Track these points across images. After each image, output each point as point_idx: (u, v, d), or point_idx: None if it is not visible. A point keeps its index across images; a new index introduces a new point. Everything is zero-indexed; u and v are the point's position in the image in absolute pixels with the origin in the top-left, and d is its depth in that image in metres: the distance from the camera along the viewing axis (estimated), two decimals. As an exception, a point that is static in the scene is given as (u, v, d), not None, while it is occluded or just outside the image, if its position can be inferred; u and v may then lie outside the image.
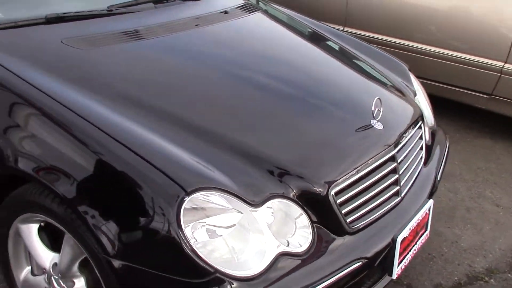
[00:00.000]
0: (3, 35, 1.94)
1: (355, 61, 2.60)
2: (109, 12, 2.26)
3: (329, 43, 2.74)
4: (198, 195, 1.49)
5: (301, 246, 1.61)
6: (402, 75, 2.60)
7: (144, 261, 1.50)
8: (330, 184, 1.71)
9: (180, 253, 1.45)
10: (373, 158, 1.87)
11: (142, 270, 1.49)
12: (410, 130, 2.13)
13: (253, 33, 2.53)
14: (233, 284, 1.46)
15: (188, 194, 1.47)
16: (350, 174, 1.78)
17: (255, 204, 1.54)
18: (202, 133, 1.69)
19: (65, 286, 1.79)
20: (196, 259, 1.45)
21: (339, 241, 1.70)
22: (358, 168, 1.80)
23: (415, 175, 2.11)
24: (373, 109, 1.96)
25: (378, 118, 1.97)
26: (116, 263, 1.52)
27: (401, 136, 2.03)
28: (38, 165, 1.63)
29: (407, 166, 2.05)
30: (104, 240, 1.51)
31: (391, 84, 2.42)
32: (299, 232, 1.63)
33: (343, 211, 1.73)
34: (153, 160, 1.53)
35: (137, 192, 1.50)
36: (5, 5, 2.16)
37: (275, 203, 1.59)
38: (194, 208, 1.48)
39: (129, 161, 1.53)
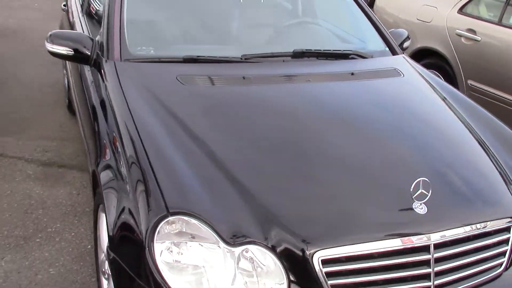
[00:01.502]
0: (148, 67, 2.32)
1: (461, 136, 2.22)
2: (241, 60, 2.42)
3: (447, 115, 2.34)
4: (178, 218, 1.56)
5: None
6: None
7: (125, 260, 1.66)
8: (317, 247, 1.57)
9: (147, 265, 1.54)
10: (395, 240, 1.64)
11: (123, 268, 1.65)
12: (480, 228, 1.78)
13: (360, 97, 2.33)
14: None
15: (170, 214, 1.56)
16: (351, 245, 1.60)
17: (231, 243, 1.55)
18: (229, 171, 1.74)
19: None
20: (157, 276, 1.52)
21: None
22: (365, 244, 1.61)
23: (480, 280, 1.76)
24: (411, 190, 1.70)
25: (423, 201, 1.71)
26: (111, 255, 1.71)
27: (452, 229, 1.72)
28: None
29: (459, 265, 1.72)
30: (107, 232, 1.76)
31: (493, 165, 2.05)
32: (270, 284, 1.56)
33: (330, 282, 1.57)
34: (158, 174, 1.70)
35: (136, 196, 1.67)
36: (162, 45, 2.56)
37: (252, 248, 1.57)
38: (171, 228, 1.56)
39: (145, 168, 1.74)
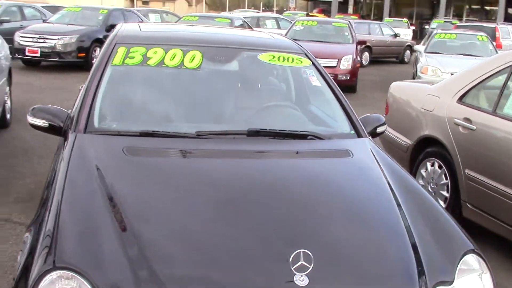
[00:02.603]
0: (102, 139, 2.52)
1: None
2: (195, 136, 2.58)
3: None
4: (62, 272, 1.68)
5: None
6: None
7: None
8: None
9: None
10: None
11: None
12: None
13: (286, 174, 2.40)
14: None
15: (56, 268, 1.70)
16: None
17: None
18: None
19: None
20: None
21: None
22: None
23: None
24: (290, 261, 1.76)
25: (305, 273, 1.74)
26: None
27: None
28: None
29: None
30: None
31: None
32: None
33: None
34: (60, 231, 1.84)
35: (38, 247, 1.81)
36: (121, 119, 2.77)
37: None
38: (54, 283, 1.67)
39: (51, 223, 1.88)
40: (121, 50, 2.99)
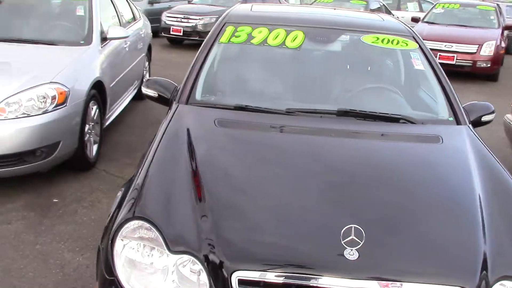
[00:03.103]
0: (200, 110, 2.75)
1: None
2: (284, 113, 2.71)
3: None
4: (139, 222, 1.91)
5: None
6: None
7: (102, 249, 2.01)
8: (238, 267, 1.75)
9: (109, 254, 1.89)
10: (316, 278, 1.74)
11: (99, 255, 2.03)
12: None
13: (374, 157, 2.43)
14: None
15: (134, 218, 1.92)
16: (269, 272, 1.74)
17: (172, 250, 1.83)
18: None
19: None
20: (112, 268, 1.86)
21: None
22: (287, 277, 1.74)
23: None
24: (341, 235, 1.82)
25: (355, 248, 1.79)
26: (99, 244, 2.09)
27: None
28: None
29: None
30: None
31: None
32: None
33: None
34: (144, 188, 2.07)
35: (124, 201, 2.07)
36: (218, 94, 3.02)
37: (186, 258, 1.82)
38: (132, 230, 1.90)
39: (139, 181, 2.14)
40: (229, 29, 3.19)
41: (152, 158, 2.28)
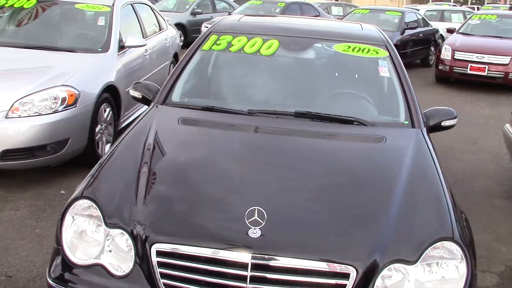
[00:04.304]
0: (170, 110, 3.04)
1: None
2: (246, 113, 2.96)
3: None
4: (85, 201, 2.22)
5: (120, 269, 2.07)
6: None
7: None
8: (157, 241, 2.02)
9: (58, 228, 2.22)
10: (221, 252, 1.97)
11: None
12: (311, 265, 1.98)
13: (310, 151, 2.65)
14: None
15: (82, 197, 2.23)
16: (183, 245, 2.00)
17: (108, 224, 2.14)
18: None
19: None
20: (59, 238, 2.19)
21: None
22: (197, 250, 1.99)
23: None
24: (246, 215, 2.06)
25: (258, 227, 2.02)
26: None
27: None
28: None
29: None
30: None
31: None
32: (122, 261, 2.08)
33: (160, 271, 1.99)
34: (101, 173, 2.40)
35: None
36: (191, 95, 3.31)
37: (118, 232, 2.13)
38: (80, 207, 2.22)
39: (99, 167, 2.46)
40: (212, 38, 3.49)
41: (115, 148, 2.60)
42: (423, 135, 2.91)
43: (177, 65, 3.43)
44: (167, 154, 2.58)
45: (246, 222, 2.06)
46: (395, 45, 11.68)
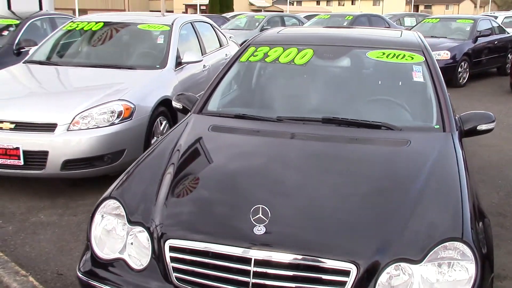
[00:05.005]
0: (204, 118, 3.22)
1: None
2: (275, 120, 3.09)
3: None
4: (112, 201, 2.42)
5: (139, 264, 2.24)
6: None
7: None
8: (171, 237, 2.17)
9: (89, 225, 2.43)
10: (227, 247, 2.09)
11: None
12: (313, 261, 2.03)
13: (331, 154, 2.75)
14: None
15: (110, 198, 2.44)
16: (194, 242, 2.13)
17: (131, 221, 2.32)
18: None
19: None
20: (88, 235, 2.39)
21: (162, 285, 2.15)
22: (206, 246, 2.11)
23: None
24: (251, 213, 2.17)
25: (263, 224, 2.13)
26: None
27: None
28: None
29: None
30: None
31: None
32: (142, 255, 2.25)
33: (173, 265, 2.14)
34: (131, 176, 2.63)
35: None
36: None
37: (139, 229, 2.30)
38: (109, 206, 2.42)
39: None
40: (250, 50, 3.65)
41: (146, 153, 2.79)
42: (452, 138, 2.87)
43: (215, 76, 3.61)
44: (191, 158, 2.73)
45: (252, 220, 2.15)
46: (466, 53, 11.45)
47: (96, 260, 2.34)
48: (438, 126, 2.99)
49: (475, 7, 64.45)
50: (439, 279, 2.03)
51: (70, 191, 4.63)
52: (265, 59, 3.53)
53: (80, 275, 2.36)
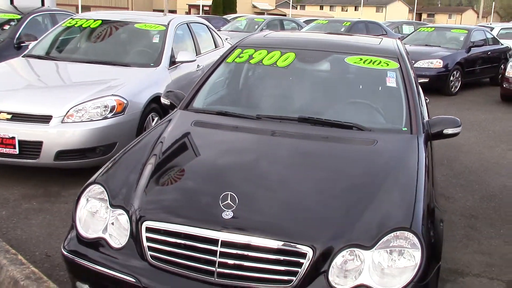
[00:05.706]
0: (186, 114, 3.42)
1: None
2: (254, 118, 3.29)
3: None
4: (97, 186, 2.64)
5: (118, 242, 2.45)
6: None
7: None
8: (148, 219, 2.38)
9: (74, 209, 2.64)
10: (197, 229, 2.29)
11: None
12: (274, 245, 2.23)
13: (300, 149, 2.95)
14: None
15: (95, 183, 2.66)
16: (169, 224, 2.34)
17: (113, 205, 2.53)
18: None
19: None
20: (73, 216, 2.62)
21: (138, 262, 2.35)
22: (178, 228, 2.31)
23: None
24: (220, 198, 2.38)
25: (231, 209, 2.34)
26: None
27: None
28: None
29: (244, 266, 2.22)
30: None
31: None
32: (120, 235, 2.46)
33: (148, 245, 2.34)
34: (116, 163, 2.83)
35: None
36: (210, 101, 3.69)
37: (119, 212, 2.51)
38: (94, 191, 2.63)
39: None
40: (237, 51, 3.86)
41: (133, 144, 3.01)
42: (418, 140, 3.08)
43: (202, 75, 3.82)
44: (172, 150, 2.94)
45: (221, 205, 2.36)
46: (459, 62, 11.64)
47: (79, 239, 2.55)
48: (406, 129, 3.20)
49: (478, 17, 64.92)
50: (390, 265, 2.24)
51: (63, 181, 4.84)
52: (250, 61, 3.74)
53: (65, 252, 2.57)
